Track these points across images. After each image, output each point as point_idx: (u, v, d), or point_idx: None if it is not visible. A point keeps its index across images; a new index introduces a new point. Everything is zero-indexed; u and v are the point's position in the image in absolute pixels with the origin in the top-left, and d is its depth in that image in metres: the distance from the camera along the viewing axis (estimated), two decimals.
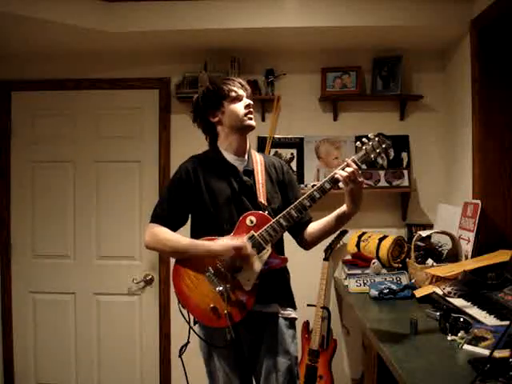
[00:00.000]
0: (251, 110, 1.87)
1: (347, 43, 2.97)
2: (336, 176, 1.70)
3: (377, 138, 1.74)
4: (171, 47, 3.01)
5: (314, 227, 1.92)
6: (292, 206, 1.74)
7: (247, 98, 1.88)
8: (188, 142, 3.05)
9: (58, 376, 3.17)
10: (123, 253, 3.16)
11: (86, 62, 3.15)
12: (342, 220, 1.83)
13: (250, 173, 1.87)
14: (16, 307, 3.17)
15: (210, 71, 2.99)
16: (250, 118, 1.86)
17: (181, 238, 1.80)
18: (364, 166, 1.76)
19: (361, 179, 1.70)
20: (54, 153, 3.17)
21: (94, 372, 3.17)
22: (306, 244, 1.95)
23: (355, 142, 3.10)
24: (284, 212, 1.74)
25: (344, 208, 1.79)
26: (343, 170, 1.69)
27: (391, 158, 3.04)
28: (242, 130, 1.87)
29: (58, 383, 3.18)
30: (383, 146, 1.73)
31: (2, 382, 3.14)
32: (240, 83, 1.89)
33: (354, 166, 1.68)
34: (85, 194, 3.17)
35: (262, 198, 1.82)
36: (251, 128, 1.89)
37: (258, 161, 1.91)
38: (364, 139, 1.75)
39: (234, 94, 1.85)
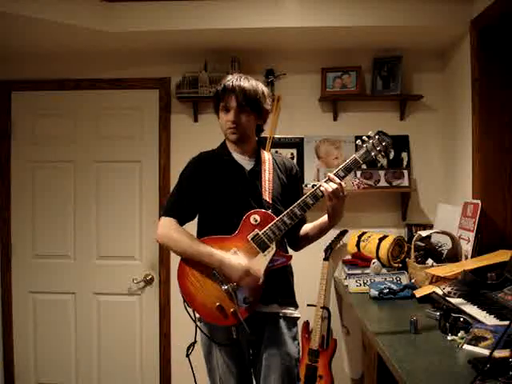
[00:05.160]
0: (232, 126, 1.80)
1: (347, 43, 2.97)
2: (322, 188, 1.71)
3: (377, 136, 1.74)
4: (171, 47, 3.00)
5: (305, 230, 1.96)
6: (295, 204, 1.74)
7: (240, 107, 1.78)
8: (188, 142, 3.07)
9: (58, 376, 3.18)
10: (123, 253, 3.16)
11: (85, 62, 3.15)
12: (322, 230, 1.90)
13: (256, 173, 1.86)
14: (16, 307, 3.17)
15: (209, 71, 2.99)
16: (232, 133, 1.82)
17: (194, 241, 1.79)
18: (364, 166, 1.77)
19: (344, 194, 1.71)
20: (54, 153, 3.18)
21: (93, 372, 3.17)
22: (297, 245, 1.99)
23: (355, 142, 3.11)
24: (288, 210, 1.75)
25: (326, 219, 1.84)
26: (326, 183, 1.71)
27: (392, 156, 3.04)
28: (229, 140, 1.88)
29: (58, 383, 3.18)
30: (383, 143, 1.73)
31: (2, 382, 3.14)
32: (236, 91, 1.77)
33: (337, 181, 1.70)
34: (85, 194, 3.17)
35: (266, 197, 1.82)
36: (233, 141, 1.86)
37: (267, 160, 1.91)
38: (364, 137, 1.75)
39: (222, 103, 1.81)
